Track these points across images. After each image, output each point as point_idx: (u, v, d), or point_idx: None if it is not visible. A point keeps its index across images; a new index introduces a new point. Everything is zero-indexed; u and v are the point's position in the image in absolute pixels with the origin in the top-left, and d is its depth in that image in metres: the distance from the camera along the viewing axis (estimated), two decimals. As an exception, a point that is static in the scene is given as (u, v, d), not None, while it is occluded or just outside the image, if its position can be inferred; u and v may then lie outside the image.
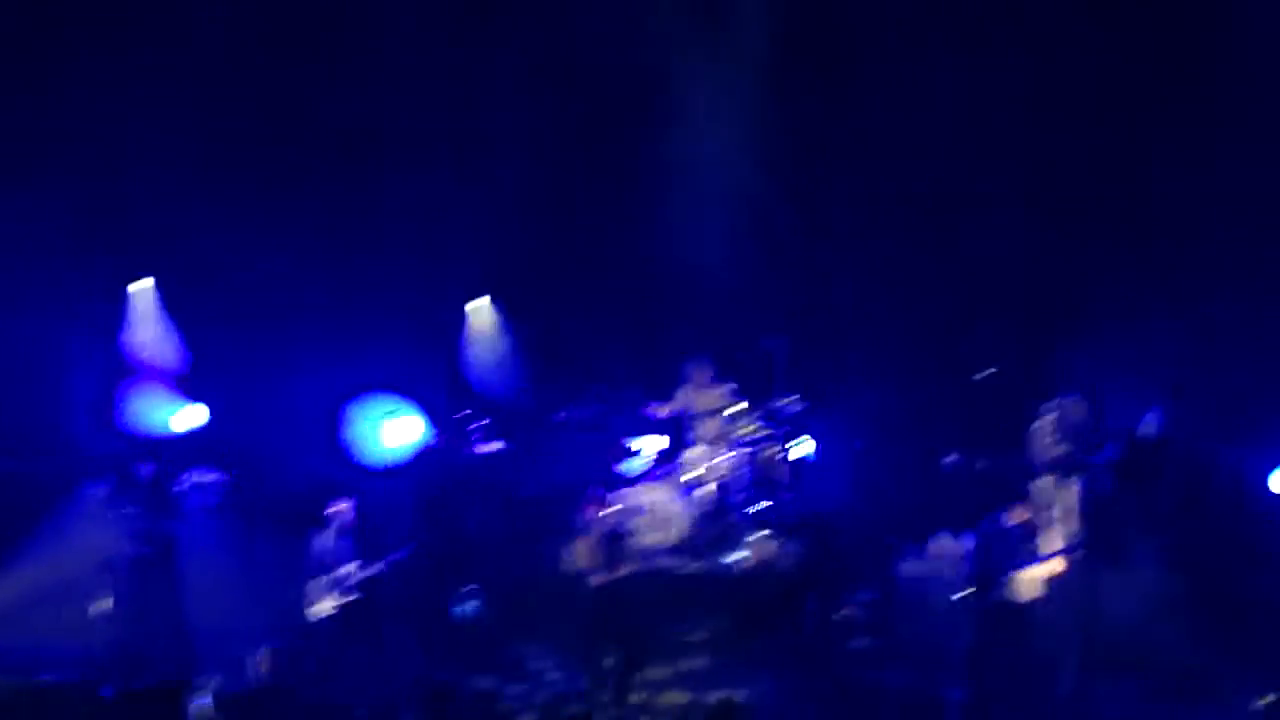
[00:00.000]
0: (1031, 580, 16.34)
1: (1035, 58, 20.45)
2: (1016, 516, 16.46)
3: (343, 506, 17.22)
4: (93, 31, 21.15)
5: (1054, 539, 16.59)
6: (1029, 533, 16.42)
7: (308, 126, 22.04)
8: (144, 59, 21.10)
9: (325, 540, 17.26)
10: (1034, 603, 16.41)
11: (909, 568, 18.90)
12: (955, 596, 17.12)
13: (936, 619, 17.91)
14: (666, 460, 20.73)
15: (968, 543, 17.08)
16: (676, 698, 16.98)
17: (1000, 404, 20.10)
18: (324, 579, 17.05)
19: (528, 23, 21.92)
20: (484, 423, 21.76)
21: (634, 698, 16.63)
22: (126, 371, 21.98)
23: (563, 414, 21.26)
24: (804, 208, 21.49)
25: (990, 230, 20.57)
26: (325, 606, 17.07)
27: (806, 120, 21.43)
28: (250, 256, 21.83)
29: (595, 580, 16.47)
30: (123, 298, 22.31)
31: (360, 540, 17.09)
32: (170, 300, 22.45)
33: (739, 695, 13.66)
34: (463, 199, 22.28)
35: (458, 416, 21.85)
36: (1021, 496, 17.20)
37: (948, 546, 18.80)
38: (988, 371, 20.58)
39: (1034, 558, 16.27)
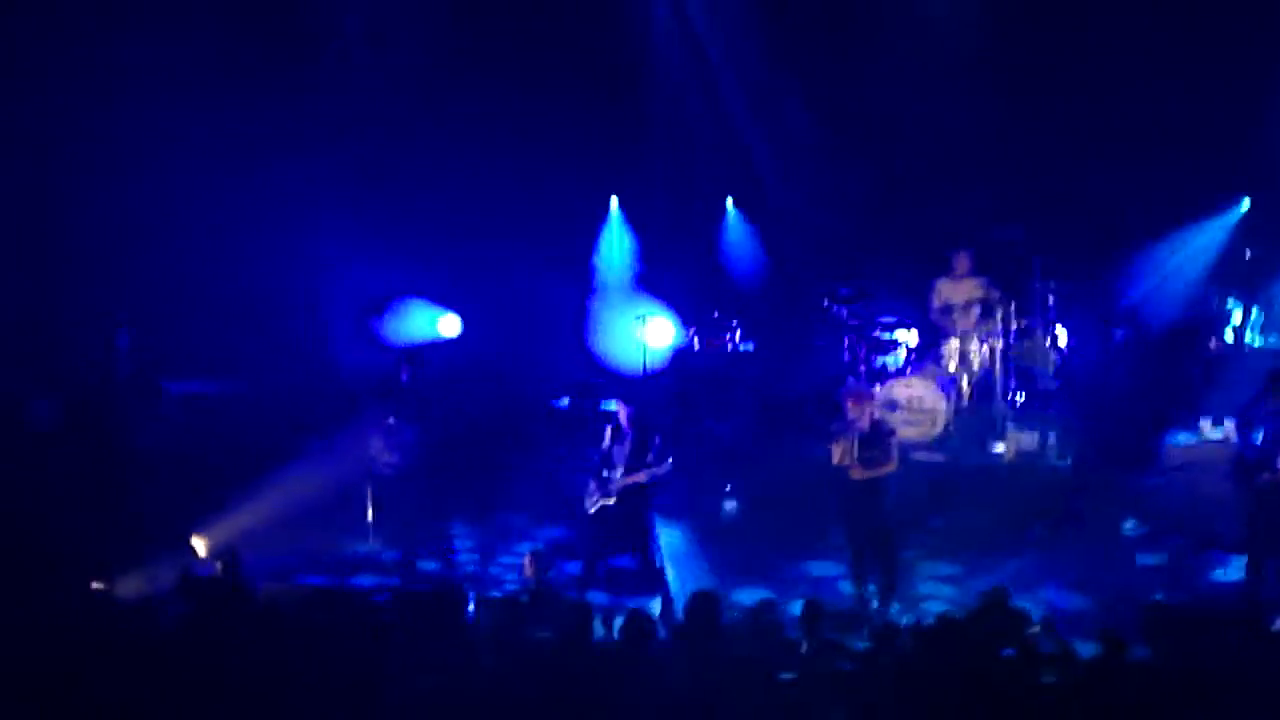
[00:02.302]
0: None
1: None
2: (1284, 399, 16.05)
3: (621, 406, 17.26)
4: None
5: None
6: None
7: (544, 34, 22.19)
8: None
9: (607, 441, 17.29)
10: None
11: (1178, 453, 18.62)
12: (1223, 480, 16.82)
13: (1207, 503, 17.65)
14: (924, 353, 20.58)
15: (1237, 426, 16.70)
16: (945, 592, 16.92)
17: (1266, 285, 19.72)
18: (596, 480, 17.10)
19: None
20: (738, 322, 21.77)
21: (900, 593, 16.56)
22: (386, 283, 22.35)
23: (818, 310, 21.14)
24: (1060, 90, 21.08)
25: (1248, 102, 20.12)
26: (595, 507, 17.12)
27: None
28: (501, 165, 22.03)
29: (856, 475, 16.35)
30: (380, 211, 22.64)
31: (625, 444, 17.11)
32: (420, 213, 22.73)
33: (1008, 587, 13.47)
34: (709, 106, 22.30)
35: (713, 317, 21.87)
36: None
37: (1217, 430, 18.49)
38: (1249, 253, 20.12)
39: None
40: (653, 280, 21.97)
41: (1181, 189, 20.60)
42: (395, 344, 21.68)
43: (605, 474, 16.93)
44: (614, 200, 22.99)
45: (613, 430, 17.19)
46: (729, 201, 23.25)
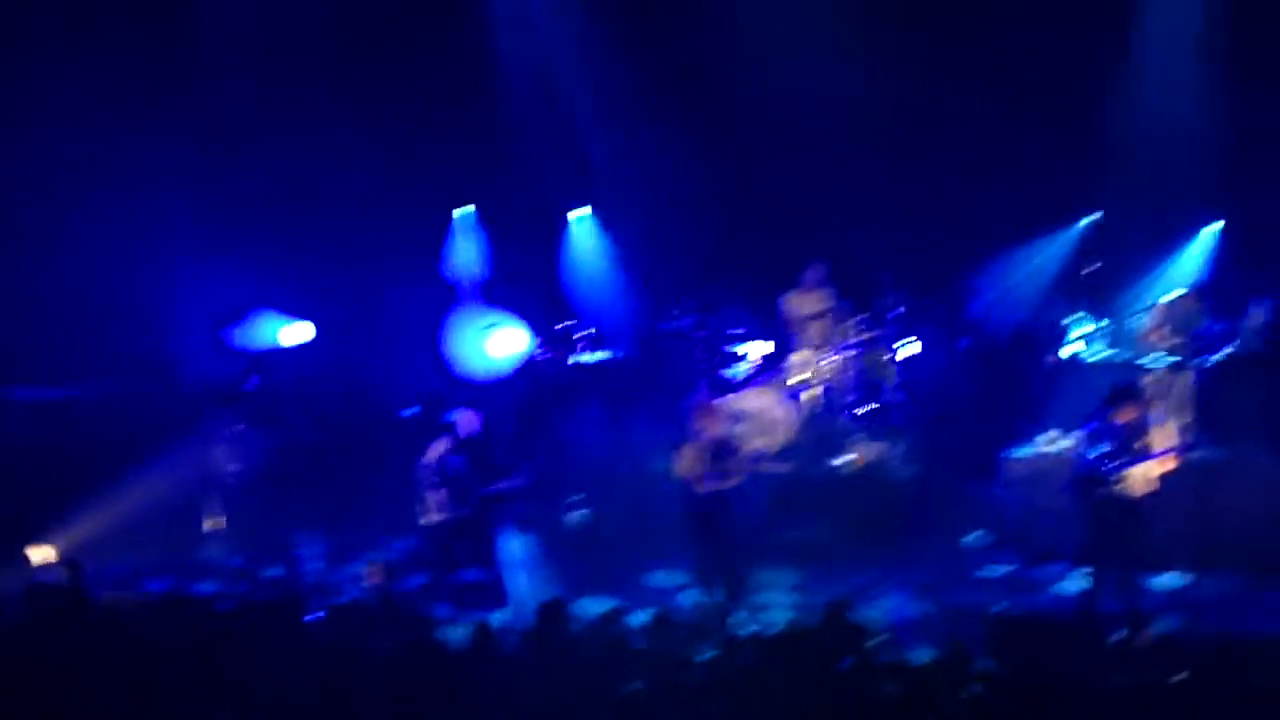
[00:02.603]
0: (1143, 475, 16.17)
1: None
2: (1125, 414, 16.28)
3: (466, 417, 17.25)
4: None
5: (1166, 434, 16.43)
6: (1139, 428, 16.24)
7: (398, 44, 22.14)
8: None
9: (438, 451, 17.29)
10: (1146, 498, 16.25)
11: (1019, 466, 18.82)
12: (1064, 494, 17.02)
13: (1047, 516, 17.85)
14: (772, 364, 20.68)
15: (1078, 439, 16.92)
16: (787, 603, 17.01)
17: (1109, 299, 19.97)
18: (436, 492, 17.10)
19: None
20: (587, 332, 21.77)
21: (747, 603, 16.63)
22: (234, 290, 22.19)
23: (666, 321, 21.18)
24: (909, 101, 21.24)
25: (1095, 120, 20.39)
26: (437, 519, 17.13)
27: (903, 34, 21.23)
28: (352, 173, 21.93)
29: (703, 487, 16.43)
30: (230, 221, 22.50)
31: (474, 454, 17.13)
32: (270, 222, 22.60)
33: (850, 599, 13.58)
34: (556, 111, 22.29)
35: (560, 327, 21.86)
36: (1129, 392, 17.01)
37: (1058, 443, 18.70)
38: (1094, 266, 20.37)
39: (1146, 453, 16.10)
40: (502, 289, 21.92)
41: (1029, 202, 20.84)
42: (244, 351, 21.49)
43: (447, 485, 16.93)
44: (465, 209, 22.88)
45: (452, 441, 17.19)
46: (579, 211, 23.22)
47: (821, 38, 21.39)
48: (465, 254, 22.65)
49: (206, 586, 17.40)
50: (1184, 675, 11.69)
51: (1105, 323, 19.77)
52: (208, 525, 18.09)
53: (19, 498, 18.76)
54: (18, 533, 17.94)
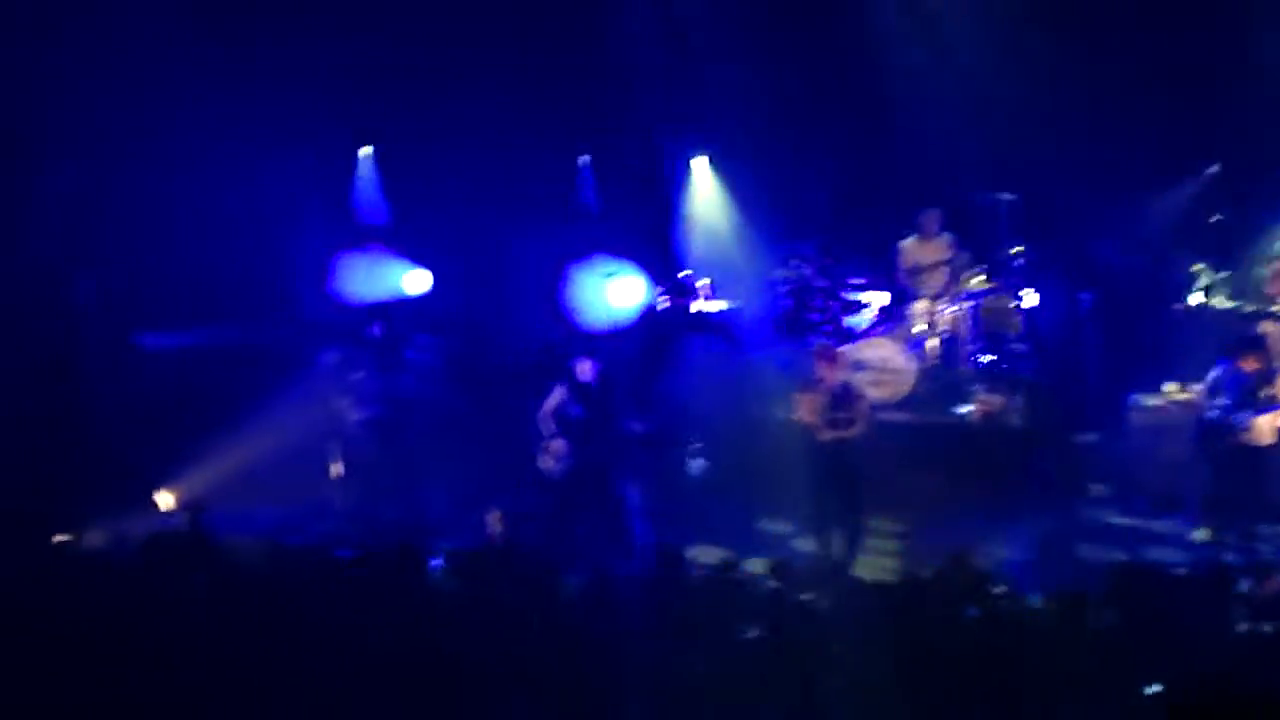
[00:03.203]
0: (1268, 425, 16.05)
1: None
2: (1248, 363, 16.14)
3: (584, 366, 17.32)
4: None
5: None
6: (1264, 378, 16.10)
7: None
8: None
9: (558, 400, 17.37)
10: (1270, 448, 16.13)
11: (1140, 416, 18.69)
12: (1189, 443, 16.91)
13: (1171, 466, 17.73)
14: (893, 314, 20.62)
15: (1201, 389, 16.80)
16: (912, 552, 16.99)
17: (1233, 249, 19.76)
18: (556, 440, 17.20)
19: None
20: (708, 281, 21.75)
21: (865, 552, 16.64)
22: (355, 238, 22.32)
23: (786, 270, 21.13)
24: (1026, 60, 21.07)
25: (1218, 68, 20.11)
26: (557, 468, 17.23)
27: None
28: (467, 122, 21.97)
29: (823, 436, 16.43)
30: (351, 165, 22.66)
31: (594, 401, 17.21)
32: (393, 167, 22.76)
33: (971, 547, 13.54)
34: (680, 60, 22.20)
35: (681, 275, 21.84)
36: (1254, 343, 16.86)
37: (1180, 394, 18.56)
38: (1217, 217, 20.15)
39: (1270, 403, 15.97)
40: (623, 238, 21.92)
41: (1151, 153, 20.64)
42: (363, 299, 21.62)
43: (567, 433, 17.03)
44: (581, 158, 22.89)
45: (571, 388, 17.27)
46: (699, 158, 23.20)
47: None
48: (583, 201, 22.67)
49: (328, 533, 17.55)
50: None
51: (1229, 273, 19.58)
52: (331, 472, 18.21)
53: (145, 444, 18.96)
54: (143, 480, 18.15)
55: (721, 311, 21.70)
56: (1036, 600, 12.59)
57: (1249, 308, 18.94)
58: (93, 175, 21.05)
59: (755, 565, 14.28)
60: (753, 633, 11.69)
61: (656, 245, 22.19)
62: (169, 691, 11.07)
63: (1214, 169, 20.91)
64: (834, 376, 16.61)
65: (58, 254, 21.03)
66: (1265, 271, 18.99)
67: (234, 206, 21.18)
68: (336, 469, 18.24)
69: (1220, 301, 19.31)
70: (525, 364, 20.93)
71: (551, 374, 18.24)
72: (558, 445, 17.30)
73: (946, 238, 20.44)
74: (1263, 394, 16.04)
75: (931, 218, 20.44)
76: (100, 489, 17.39)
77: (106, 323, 21.09)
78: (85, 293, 21.08)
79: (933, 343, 20.25)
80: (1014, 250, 20.29)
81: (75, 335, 21.02)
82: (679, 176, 23.10)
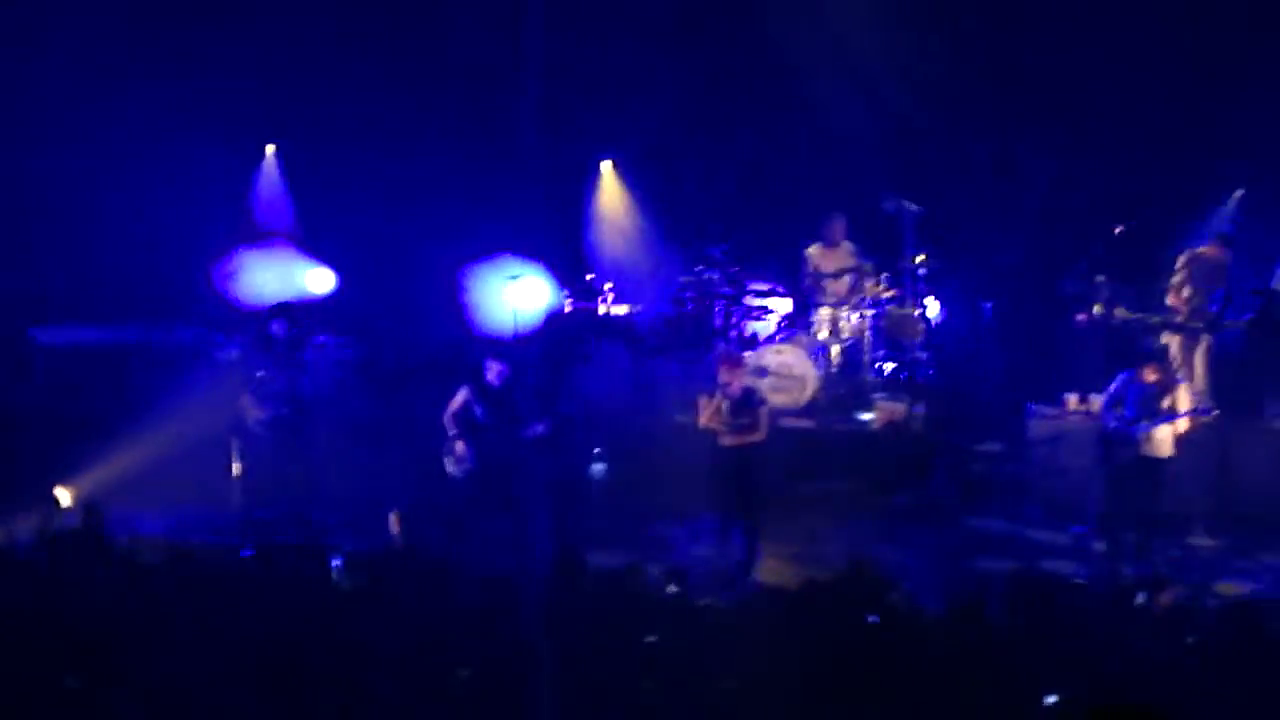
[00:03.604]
0: (1164, 437, 16.21)
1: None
2: (1149, 374, 16.30)
3: (492, 367, 17.31)
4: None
5: (1187, 396, 16.48)
6: (1162, 390, 16.26)
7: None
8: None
9: (463, 401, 17.35)
10: (1166, 460, 16.29)
11: (1040, 426, 18.81)
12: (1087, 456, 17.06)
13: (1069, 476, 17.86)
14: (796, 320, 20.68)
15: (1100, 401, 16.94)
16: (810, 559, 17.06)
17: (1134, 260, 19.90)
18: (459, 441, 17.19)
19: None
20: (610, 286, 21.76)
21: (764, 558, 16.69)
22: (258, 236, 22.23)
23: (691, 275, 21.15)
24: (932, 66, 21.22)
25: (1124, 82, 20.30)
26: (460, 469, 17.22)
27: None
28: (375, 121, 21.94)
29: (726, 441, 16.48)
30: (255, 163, 22.57)
31: (498, 403, 17.21)
32: (298, 165, 22.69)
33: (870, 554, 13.64)
34: (588, 61, 22.21)
35: (586, 280, 21.84)
36: (1155, 355, 17.02)
37: (1080, 404, 18.69)
38: (1120, 227, 20.30)
39: (1167, 415, 16.13)
40: (528, 240, 21.89)
41: (1055, 162, 20.85)
42: (265, 298, 21.50)
43: (470, 435, 17.03)
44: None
45: (476, 389, 17.26)
46: (605, 163, 23.24)
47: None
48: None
49: (228, 532, 17.45)
50: (1199, 639, 11.75)
51: (1130, 283, 19.74)
52: (232, 471, 18.10)
53: (44, 441, 18.82)
54: (40, 478, 17.99)
55: (626, 315, 21.72)
56: (934, 608, 12.67)
57: (1152, 319, 19.08)
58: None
59: (655, 570, 14.29)
60: (651, 638, 11.70)
61: (562, 248, 22.16)
62: (66, 690, 11.00)
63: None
64: (736, 382, 16.64)
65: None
66: (1170, 283, 19.13)
67: (135, 202, 21.10)
68: (237, 468, 18.11)
69: (1122, 313, 19.44)
70: (428, 364, 20.89)
71: (456, 375, 18.19)
72: (461, 447, 17.27)
73: (850, 245, 20.53)
74: (1163, 405, 16.18)
75: (836, 225, 20.54)
76: (-1, 485, 17.27)
77: (6, 319, 20.92)
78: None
79: (835, 350, 20.35)
80: (917, 258, 20.39)
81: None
82: (586, 179, 23.10)
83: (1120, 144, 20.75)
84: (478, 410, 17.33)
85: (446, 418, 17.45)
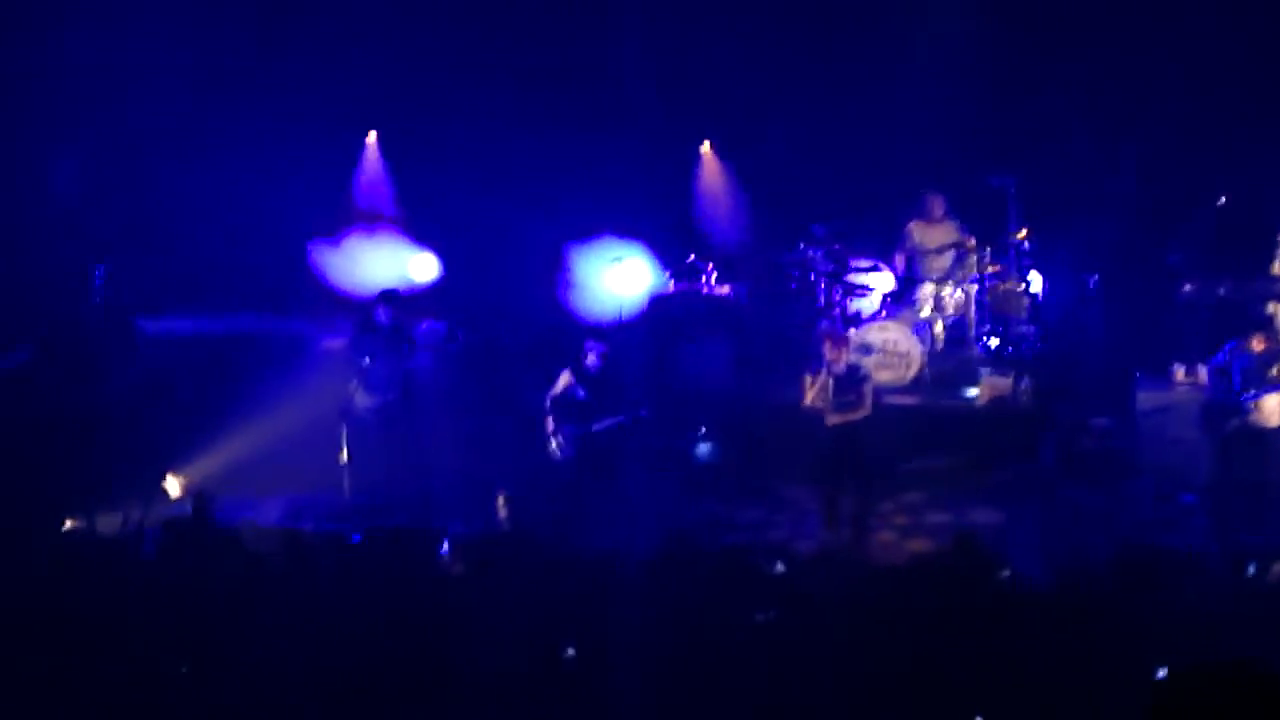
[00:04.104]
0: (1272, 407, 16.06)
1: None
2: (1256, 344, 16.16)
3: (591, 350, 17.38)
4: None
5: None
6: (1270, 359, 16.11)
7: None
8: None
9: (566, 385, 17.42)
10: (1274, 431, 16.15)
11: (1148, 398, 18.70)
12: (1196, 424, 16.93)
13: (1176, 449, 17.74)
14: (899, 298, 20.62)
15: (1207, 371, 16.82)
16: (917, 536, 17.04)
17: (1238, 231, 19.72)
18: (563, 424, 17.26)
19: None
20: (714, 266, 21.74)
21: (873, 535, 16.67)
22: (361, 223, 22.36)
23: (794, 253, 21.11)
24: (1028, 43, 21.13)
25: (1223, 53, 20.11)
26: (564, 451, 17.29)
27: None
28: (476, 105, 22.02)
29: (831, 419, 16.47)
30: (357, 151, 22.72)
31: (599, 386, 17.27)
32: (399, 152, 22.81)
33: (977, 530, 13.60)
34: (686, 46, 22.21)
35: (688, 261, 21.84)
36: (1261, 324, 16.88)
37: (1186, 376, 18.57)
38: (1223, 199, 20.13)
39: (1275, 384, 15.99)
40: (631, 221, 21.91)
41: (1156, 139, 20.69)
42: (370, 285, 21.63)
43: (574, 417, 17.10)
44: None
45: (577, 372, 17.33)
46: (705, 145, 23.24)
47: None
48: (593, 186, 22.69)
49: (337, 519, 17.58)
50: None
51: (1233, 256, 19.57)
52: (339, 458, 18.22)
53: (154, 430, 19.02)
54: (151, 465, 18.18)
55: (729, 295, 21.70)
56: (1044, 583, 12.61)
57: (1256, 290, 18.89)
58: (100, 167, 21.16)
59: (763, 548, 14.30)
60: (763, 616, 11.71)
61: (664, 229, 22.16)
62: (184, 678, 11.13)
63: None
64: (840, 360, 16.63)
65: (70, 245, 21.12)
66: (1275, 252, 18.94)
67: (241, 193, 21.27)
68: (345, 455, 18.23)
69: (1227, 284, 19.25)
70: (533, 348, 20.95)
71: (559, 358, 18.26)
72: (566, 429, 17.34)
73: (953, 221, 20.46)
74: (1270, 374, 16.04)
75: (936, 201, 20.49)
76: (110, 475, 17.43)
77: (117, 311, 21.16)
78: (97, 281, 21.15)
79: (939, 326, 20.28)
80: (1020, 233, 20.28)
81: (87, 323, 21.09)
82: (687, 160, 23.10)
83: (1218, 115, 20.52)
84: (580, 393, 17.39)
85: (549, 401, 17.54)
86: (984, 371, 19.80)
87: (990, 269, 20.22)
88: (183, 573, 12.77)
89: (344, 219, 22.51)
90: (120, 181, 21.37)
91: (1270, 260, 18.89)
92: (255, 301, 21.49)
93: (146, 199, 21.24)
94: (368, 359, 18.27)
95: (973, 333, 20.23)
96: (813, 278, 20.93)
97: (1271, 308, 18.39)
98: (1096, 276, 21.01)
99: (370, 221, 22.60)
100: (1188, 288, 19.54)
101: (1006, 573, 12.56)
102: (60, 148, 21.36)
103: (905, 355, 19.70)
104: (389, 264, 22.12)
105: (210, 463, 18.17)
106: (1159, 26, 20.37)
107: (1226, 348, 16.43)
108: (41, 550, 13.17)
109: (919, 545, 16.57)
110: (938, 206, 20.46)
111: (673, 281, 21.74)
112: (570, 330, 19.85)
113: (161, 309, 21.24)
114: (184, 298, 21.20)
